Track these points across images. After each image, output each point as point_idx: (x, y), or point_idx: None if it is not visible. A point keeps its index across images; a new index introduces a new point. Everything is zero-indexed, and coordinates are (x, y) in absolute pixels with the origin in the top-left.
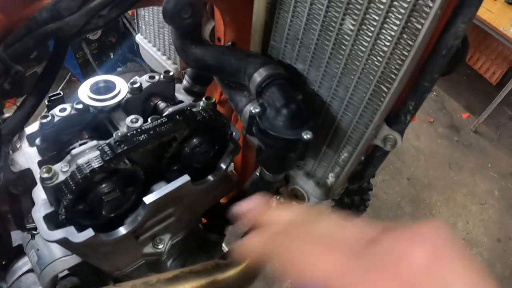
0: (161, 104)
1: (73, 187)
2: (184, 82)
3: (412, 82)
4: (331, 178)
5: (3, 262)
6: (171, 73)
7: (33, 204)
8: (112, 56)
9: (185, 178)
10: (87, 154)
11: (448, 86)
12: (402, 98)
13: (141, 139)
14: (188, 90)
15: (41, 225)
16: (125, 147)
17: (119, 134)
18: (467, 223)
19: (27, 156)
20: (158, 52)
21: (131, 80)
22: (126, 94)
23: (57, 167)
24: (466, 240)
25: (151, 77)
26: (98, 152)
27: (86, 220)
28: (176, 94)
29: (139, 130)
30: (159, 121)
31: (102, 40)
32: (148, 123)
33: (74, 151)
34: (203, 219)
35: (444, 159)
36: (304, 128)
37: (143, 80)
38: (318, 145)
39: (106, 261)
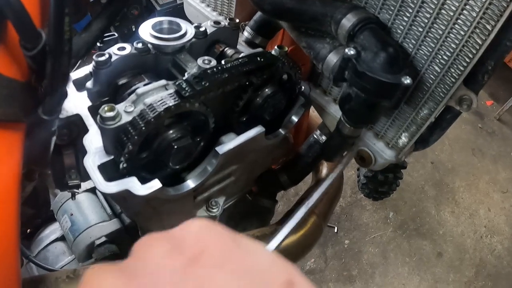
0: (229, 51)
1: (143, 128)
2: (245, 33)
3: (492, 42)
4: (404, 138)
5: (28, 231)
6: (237, 20)
7: (83, 154)
8: (134, 29)
9: (260, 129)
10: (155, 93)
11: None
12: (480, 58)
13: (223, 77)
14: (249, 43)
15: (96, 176)
16: (206, 84)
17: (196, 71)
18: (489, 210)
19: (74, 101)
20: (207, 8)
21: (195, 24)
22: (192, 38)
23: (120, 106)
24: (487, 228)
25: (216, 23)
26: (169, 91)
27: (148, 172)
28: (238, 46)
29: (219, 68)
30: (240, 60)
31: (124, 13)
32: (225, 63)
33: (139, 90)
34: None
35: (467, 145)
36: (402, 73)
37: (208, 25)
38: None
39: (157, 223)
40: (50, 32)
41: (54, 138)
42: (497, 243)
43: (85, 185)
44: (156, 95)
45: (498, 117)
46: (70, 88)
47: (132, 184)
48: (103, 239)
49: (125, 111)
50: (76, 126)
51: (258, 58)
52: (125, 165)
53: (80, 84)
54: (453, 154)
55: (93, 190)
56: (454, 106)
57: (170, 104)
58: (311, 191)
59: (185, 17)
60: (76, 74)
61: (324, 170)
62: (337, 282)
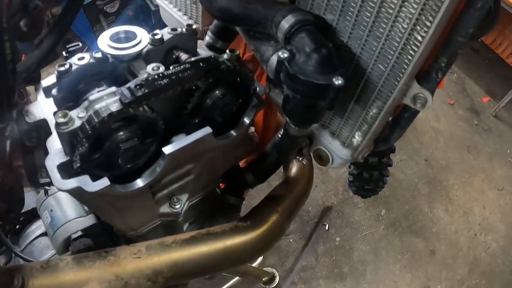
0: (183, 56)
1: (89, 132)
2: (207, 38)
3: (445, 37)
4: (357, 137)
5: (17, 226)
6: (194, 26)
7: (47, 155)
8: None
9: (207, 130)
10: (106, 99)
11: (469, 69)
12: (433, 54)
13: (163, 83)
14: (210, 47)
15: (54, 174)
16: (146, 91)
17: (140, 78)
18: (484, 208)
19: (42, 107)
20: (178, 12)
21: (153, 32)
22: (147, 45)
23: (73, 113)
24: (482, 226)
25: (173, 29)
26: (115, 98)
27: (101, 171)
28: (198, 50)
29: (161, 75)
30: (182, 67)
31: (120, 14)
32: (170, 70)
33: (91, 97)
34: (221, 184)
35: (463, 142)
36: (335, 74)
37: (165, 32)
38: (346, 101)
39: (120, 219)
40: None
41: (8, 143)
42: (491, 241)
43: None
44: (107, 100)
45: (495, 113)
46: (40, 95)
47: (84, 182)
48: (79, 233)
49: (78, 117)
50: (44, 129)
51: (201, 64)
52: (78, 164)
53: (48, 91)
54: (447, 152)
55: None
56: (409, 104)
57: (113, 110)
58: (279, 188)
59: None
60: (46, 82)
61: (293, 168)
62: (327, 279)
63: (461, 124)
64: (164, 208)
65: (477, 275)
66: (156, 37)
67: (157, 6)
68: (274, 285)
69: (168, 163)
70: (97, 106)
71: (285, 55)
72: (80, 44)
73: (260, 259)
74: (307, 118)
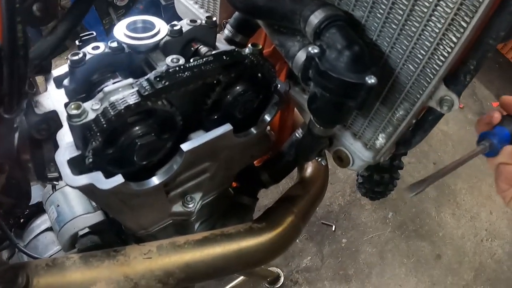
0: (203, 49)
1: (104, 125)
2: (226, 31)
3: (474, 40)
4: (381, 139)
5: (21, 220)
6: (213, 19)
7: (56, 149)
8: None
9: (228, 127)
10: (122, 91)
11: (480, 73)
12: (462, 57)
13: (184, 76)
14: (229, 40)
15: (65, 170)
16: (166, 83)
17: (160, 70)
18: (491, 213)
19: (53, 98)
20: (195, 5)
21: (171, 23)
22: (165, 36)
23: (87, 104)
24: (488, 231)
25: (193, 21)
26: (132, 90)
27: (115, 167)
28: (217, 44)
29: (182, 67)
30: (204, 59)
31: (130, 7)
32: (191, 62)
33: (106, 88)
34: (233, 183)
35: (471, 146)
36: (367, 73)
37: (184, 24)
38: (371, 102)
39: (132, 217)
40: (4, 39)
41: (17, 134)
42: (497, 247)
43: None
44: (123, 92)
45: None
46: (50, 85)
47: (96, 179)
48: (86, 230)
49: (92, 109)
50: (54, 121)
51: (224, 57)
52: (91, 159)
53: (59, 82)
54: (456, 156)
55: None
56: (435, 107)
57: (131, 103)
58: (294, 189)
59: None
60: (57, 72)
61: (309, 168)
62: (333, 281)
63: (471, 128)
64: (177, 207)
65: (482, 281)
66: (175, 28)
67: (168, 0)
68: (278, 285)
69: (186, 160)
70: (112, 98)
71: (316, 50)
72: (95, 33)
73: None
74: (334, 118)
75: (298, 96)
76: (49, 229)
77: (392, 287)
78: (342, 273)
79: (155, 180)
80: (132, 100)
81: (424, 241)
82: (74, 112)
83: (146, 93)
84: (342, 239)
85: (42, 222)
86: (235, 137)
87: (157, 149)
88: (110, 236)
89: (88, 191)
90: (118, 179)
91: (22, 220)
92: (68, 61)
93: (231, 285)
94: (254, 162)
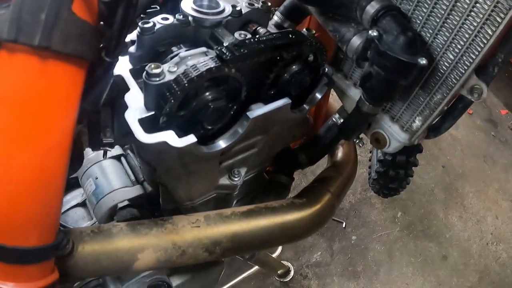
0: (261, 30)
1: (185, 85)
2: (275, 17)
3: (503, 35)
4: (417, 122)
5: None
6: (269, 4)
7: (118, 115)
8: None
9: (287, 100)
10: (196, 58)
11: None
12: (491, 51)
13: (258, 47)
14: (278, 26)
15: (137, 128)
16: (245, 51)
17: (236, 41)
18: (497, 218)
19: (117, 64)
20: None
21: (232, 3)
22: (229, 15)
23: (164, 67)
24: (494, 235)
25: (251, 4)
26: (211, 56)
27: (184, 130)
28: (268, 28)
29: (256, 39)
30: (274, 35)
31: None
32: (262, 36)
33: (182, 54)
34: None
35: (479, 152)
36: (419, 55)
37: (243, 6)
38: (411, 87)
39: (185, 185)
40: None
41: (111, 81)
42: (502, 251)
43: (110, 153)
44: (198, 59)
45: None
46: None
47: (170, 137)
48: (126, 202)
49: (169, 71)
50: (117, 86)
51: (290, 35)
52: (164, 119)
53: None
54: (464, 160)
55: (118, 158)
56: (466, 95)
57: (212, 66)
58: (327, 171)
59: None
60: None
61: (339, 154)
62: (341, 277)
63: (479, 134)
64: (224, 180)
65: (486, 283)
66: (237, 8)
67: None
68: (288, 279)
69: (250, 127)
70: (190, 62)
71: (375, 33)
72: (158, 7)
73: (278, 251)
74: (385, 95)
75: (341, 81)
76: (80, 204)
77: (399, 285)
78: (351, 269)
79: (221, 144)
80: (213, 63)
81: (431, 242)
82: (155, 71)
83: (228, 57)
84: (352, 236)
85: (72, 198)
86: (291, 112)
87: (224, 115)
88: (146, 211)
89: (156, 151)
90: (191, 138)
91: None
92: (138, 28)
93: (242, 276)
94: (291, 145)
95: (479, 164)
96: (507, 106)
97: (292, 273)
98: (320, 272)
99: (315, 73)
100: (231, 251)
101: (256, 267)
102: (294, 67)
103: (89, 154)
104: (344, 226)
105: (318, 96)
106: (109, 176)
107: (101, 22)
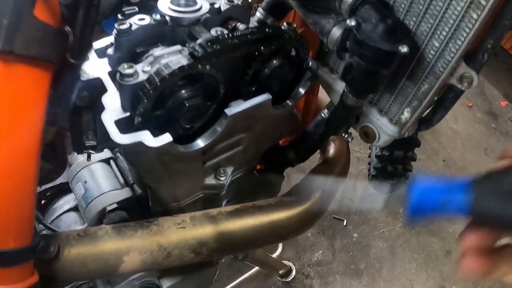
0: (241, 26)
1: (158, 84)
2: (258, 14)
3: (490, 20)
4: (406, 114)
5: (43, 202)
6: (249, 0)
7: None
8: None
9: (267, 96)
10: (171, 56)
11: (488, 73)
12: (480, 38)
13: (232, 43)
14: (261, 23)
15: (113, 129)
16: (218, 47)
17: (210, 37)
18: None
19: (96, 66)
20: None
21: (211, 2)
22: (206, 13)
23: (138, 66)
24: None
25: (230, 1)
26: (183, 54)
27: (163, 130)
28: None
29: (230, 35)
30: (249, 29)
31: (143, 4)
32: (237, 32)
33: (156, 53)
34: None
35: (480, 144)
36: (400, 43)
37: (222, 3)
38: (397, 78)
39: (168, 186)
40: None
41: (78, 83)
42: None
43: (100, 156)
44: (173, 57)
45: None
46: (92, 55)
47: (145, 137)
48: (114, 205)
49: (142, 71)
50: (96, 88)
51: (267, 29)
52: (139, 119)
53: (101, 53)
54: (465, 153)
55: (107, 161)
56: (455, 84)
57: (184, 63)
58: (318, 168)
59: None
60: (98, 44)
61: (331, 150)
62: (344, 275)
63: (479, 126)
64: (210, 180)
65: (491, 278)
66: (215, 6)
67: None
68: (290, 279)
69: (229, 125)
70: (164, 60)
71: (353, 23)
72: (137, 9)
73: (279, 250)
74: (367, 87)
75: (327, 76)
76: (72, 209)
77: (402, 281)
78: (353, 267)
79: (200, 143)
80: (185, 61)
81: (434, 237)
82: (128, 71)
83: (199, 54)
84: (353, 234)
85: (65, 203)
86: (273, 109)
87: (201, 114)
88: (135, 214)
89: (134, 151)
90: (167, 137)
91: (43, 202)
92: (115, 30)
93: (243, 277)
94: (280, 143)
95: (480, 157)
96: (507, 97)
97: (294, 272)
98: (322, 271)
99: (298, 68)
100: (218, 251)
101: (257, 268)
102: (274, 62)
103: (79, 158)
104: (345, 224)
105: (302, 91)
106: (98, 179)
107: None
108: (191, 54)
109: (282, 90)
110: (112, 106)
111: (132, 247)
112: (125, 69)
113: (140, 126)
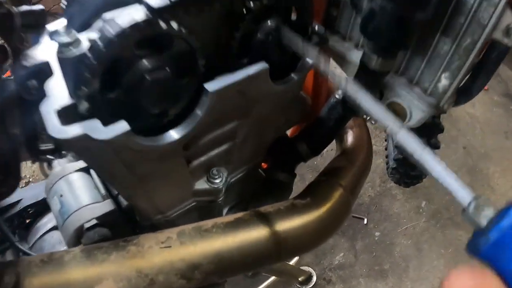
0: None
1: (103, 51)
2: None
3: None
4: (444, 81)
5: (27, 221)
6: None
7: None
8: None
9: (263, 65)
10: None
11: None
12: None
13: None
14: None
15: (52, 119)
16: None
17: None
18: None
19: (46, 49)
20: None
21: None
22: None
23: (81, 35)
24: None
25: None
26: (139, 8)
27: (128, 120)
28: None
29: None
30: None
31: None
32: None
33: (107, 15)
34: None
35: (499, 128)
36: None
37: None
38: (430, 34)
39: (144, 194)
40: None
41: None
42: None
43: (78, 165)
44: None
45: None
46: (44, 38)
47: (91, 127)
48: (94, 221)
49: (88, 39)
50: (46, 75)
51: None
52: (86, 104)
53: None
54: (485, 139)
55: (87, 170)
56: (500, 39)
57: (138, 19)
58: (337, 161)
59: None
60: (52, 26)
61: (349, 138)
62: (368, 278)
63: (497, 110)
64: (201, 184)
65: None
66: None
67: None
68: (311, 285)
69: (212, 106)
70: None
71: None
72: None
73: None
74: (396, 40)
75: (338, 45)
76: (56, 227)
77: (431, 280)
78: (377, 269)
79: (173, 134)
80: (140, 16)
81: (460, 230)
82: (66, 39)
83: (159, 6)
84: (375, 233)
85: (48, 221)
86: (272, 83)
87: (173, 94)
88: (121, 230)
89: (83, 149)
90: (121, 126)
91: (27, 221)
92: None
93: (261, 287)
94: (288, 134)
95: (501, 141)
96: None
97: (314, 278)
98: (345, 274)
99: (301, 33)
100: (216, 274)
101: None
102: (268, 23)
103: (55, 168)
104: (365, 222)
105: (309, 61)
106: (76, 191)
107: None
108: (147, 6)
109: (284, 62)
110: (57, 93)
111: (105, 274)
112: (61, 36)
113: (88, 114)
